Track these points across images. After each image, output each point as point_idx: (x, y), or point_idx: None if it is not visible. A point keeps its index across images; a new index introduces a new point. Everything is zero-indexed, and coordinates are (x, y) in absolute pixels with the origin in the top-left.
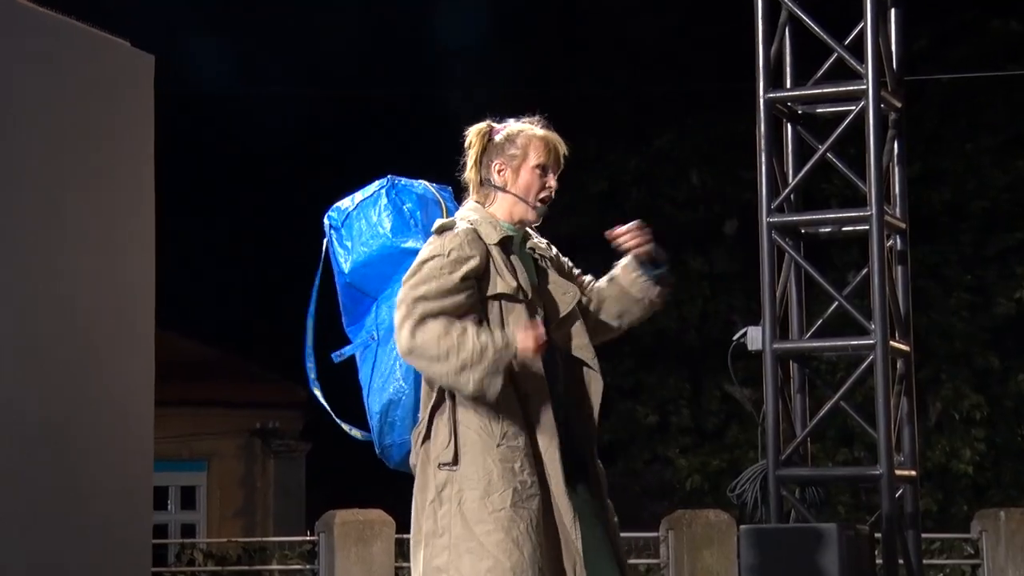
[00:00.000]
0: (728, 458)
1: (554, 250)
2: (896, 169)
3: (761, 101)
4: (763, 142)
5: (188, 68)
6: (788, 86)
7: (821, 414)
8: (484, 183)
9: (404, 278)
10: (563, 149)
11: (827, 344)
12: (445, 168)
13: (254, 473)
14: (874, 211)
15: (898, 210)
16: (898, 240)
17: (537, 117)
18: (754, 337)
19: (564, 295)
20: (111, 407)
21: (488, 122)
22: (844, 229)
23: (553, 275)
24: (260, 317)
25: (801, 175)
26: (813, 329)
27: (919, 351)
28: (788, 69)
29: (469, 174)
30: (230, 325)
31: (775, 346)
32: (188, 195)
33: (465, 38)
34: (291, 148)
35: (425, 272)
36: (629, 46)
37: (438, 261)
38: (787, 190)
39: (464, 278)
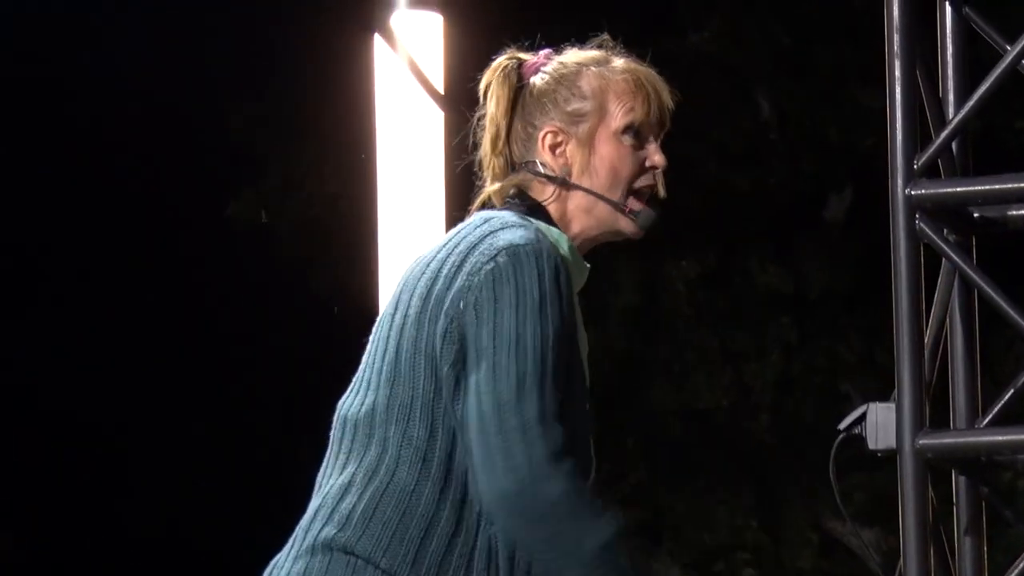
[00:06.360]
0: None
1: None
2: None
3: None
4: (897, 39)
5: None
6: None
7: (1017, 571)
8: (521, 167)
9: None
10: (667, 96)
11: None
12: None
13: None
14: None
15: None
16: None
17: (604, 37)
18: (881, 424)
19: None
20: None
21: (514, 52)
22: None
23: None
24: None
25: (972, 103)
26: (995, 409)
27: None
28: None
29: (488, 149)
30: None
31: (922, 442)
32: None
33: None
34: None
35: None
36: None
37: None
38: (944, 132)
39: None
